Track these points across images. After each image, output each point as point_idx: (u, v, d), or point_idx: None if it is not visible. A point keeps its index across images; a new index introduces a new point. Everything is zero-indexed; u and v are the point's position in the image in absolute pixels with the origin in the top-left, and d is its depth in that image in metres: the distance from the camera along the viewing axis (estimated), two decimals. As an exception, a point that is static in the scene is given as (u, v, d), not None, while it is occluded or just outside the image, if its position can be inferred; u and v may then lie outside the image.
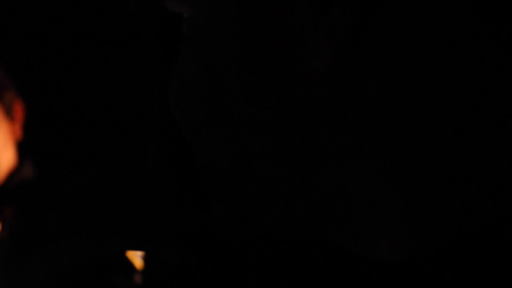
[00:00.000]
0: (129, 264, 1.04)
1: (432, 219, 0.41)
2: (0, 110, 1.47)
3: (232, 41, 0.43)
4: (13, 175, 1.48)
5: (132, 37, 1.73)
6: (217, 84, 0.43)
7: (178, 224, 0.49)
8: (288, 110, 0.42)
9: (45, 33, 1.85)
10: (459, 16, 0.39)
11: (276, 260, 0.52)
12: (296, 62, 0.41)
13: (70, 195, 0.50)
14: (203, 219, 0.50)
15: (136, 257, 0.95)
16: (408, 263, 0.42)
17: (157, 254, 0.49)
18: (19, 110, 1.52)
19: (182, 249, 0.49)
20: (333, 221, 0.43)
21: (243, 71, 0.43)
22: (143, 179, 0.50)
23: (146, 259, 0.64)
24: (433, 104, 0.40)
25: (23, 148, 1.53)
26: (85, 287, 0.54)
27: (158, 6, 0.57)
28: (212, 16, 0.44)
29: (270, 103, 0.42)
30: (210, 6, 0.43)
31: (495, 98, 0.40)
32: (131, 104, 1.73)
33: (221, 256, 0.53)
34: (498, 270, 0.39)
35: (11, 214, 1.27)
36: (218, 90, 0.44)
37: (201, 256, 0.50)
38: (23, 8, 1.81)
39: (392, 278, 0.43)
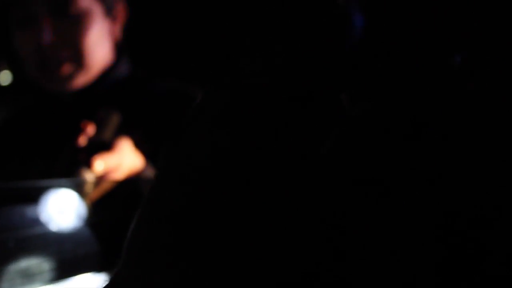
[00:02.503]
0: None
1: None
2: (101, 8, 1.48)
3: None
4: (109, 71, 1.50)
5: None
6: None
7: None
8: None
9: None
10: None
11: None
12: None
13: None
14: None
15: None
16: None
17: None
18: (121, 11, 1.53)
19: None
20: None
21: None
22: None
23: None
24: None
25: (121, 47, 1.55)
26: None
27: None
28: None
29: None
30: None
31: None
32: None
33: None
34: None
35: (106, 114, 1.30)
36: None
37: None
38: None
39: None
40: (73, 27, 1.44)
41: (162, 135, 1.41)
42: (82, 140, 1.26)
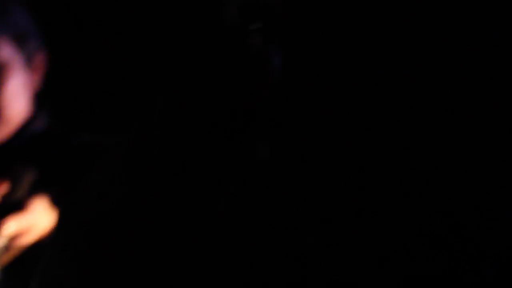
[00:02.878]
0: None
1: None
2: (20, 58, 1.43)
3: None
4: (27, 126, 1.44)
5: None
6: None
7: None
8: None
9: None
10: None
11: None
12: None
13: None
14: None
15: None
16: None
17: None
18: (41, 60, 1.48)
19: None
20: None
21: None
22: None
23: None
24: None
25: (40, 99, 1.50)
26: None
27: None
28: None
29: None
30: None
31: None
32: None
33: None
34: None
35: (20, 171, 1.25)
36: None
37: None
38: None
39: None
40: None
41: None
42: None
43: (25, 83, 1.44)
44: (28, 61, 1.45)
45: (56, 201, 1.27)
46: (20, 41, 1.43)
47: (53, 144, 1.46)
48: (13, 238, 1.18)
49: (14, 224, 1.17)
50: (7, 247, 1.16)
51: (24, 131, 1.43)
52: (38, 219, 1.22)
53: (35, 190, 1.26)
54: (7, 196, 1.22)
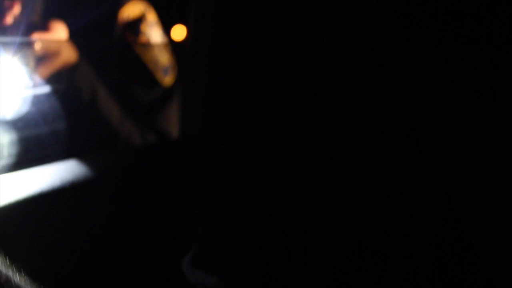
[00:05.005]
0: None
1: None
2: None
3: None
4: None
5: None
6: None
7: None
8: None
9: None
10: None
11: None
12: None
13: None
14: None
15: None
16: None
17: None
18: None
19: None
20: None
21: None
22: None
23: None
24: None
25: None
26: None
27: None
28: None
29: None
30: None
31: None
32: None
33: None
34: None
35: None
36: None
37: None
38: None
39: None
40: None
41: (85, 30, 1.23)
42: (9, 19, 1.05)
43: None
44: None
45: (73, 34, 1.14)
46: None
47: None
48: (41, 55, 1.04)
49: (39, 42, 1.03)
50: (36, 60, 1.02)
51: None
52: (60, 43, 1.08)
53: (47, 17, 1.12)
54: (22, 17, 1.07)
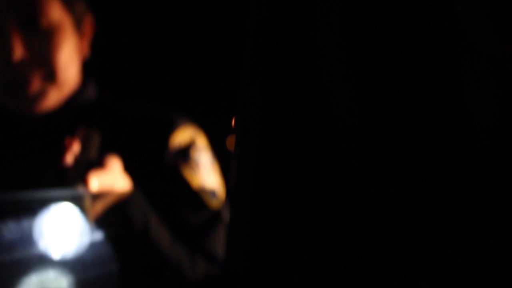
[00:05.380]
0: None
1: None
2: (71, 21, 1.37)
3: None
4: (80, 91, 1.38)
5: None
6: None
7: None
8: None
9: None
10: None
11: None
12: None
13: None
14: None
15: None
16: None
17: None
18: (88, 24, 1.42)
19: None
20: None
21: None
22: None
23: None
24: None
25: (89, 66, 1.43)
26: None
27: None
28: None
29: None
30: None
31: None
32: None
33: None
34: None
35: (87, 133, 1.18)
36: None
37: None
38: None
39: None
40: (45, 43, 1.31)
41: (143, 160, 1.31)
42: (69, 157, 1.13)
43: (76, 48, 1.38)
44: (78, 26, 1.39)
45: (127, 166, 1.21)
46: (69, 4, 1.36)
47: (107, 112, 1.40)
48: (97, 194, 1.12)
49: (96, 181, 1.11)
50: (92, 202, 1.10)
51: (78, 97, 1.37)
52: (116, 178, 1.16)
53: (104, 153, 1.20)
54: (80, 155, 1.15)
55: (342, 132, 0.66)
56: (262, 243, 1.05)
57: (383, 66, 0.61)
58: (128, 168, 1.21)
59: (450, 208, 0.51)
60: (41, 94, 1.31)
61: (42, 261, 0.97)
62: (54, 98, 1.33)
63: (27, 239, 0.97)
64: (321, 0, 0.65)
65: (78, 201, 1.06)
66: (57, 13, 1.33)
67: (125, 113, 1.39)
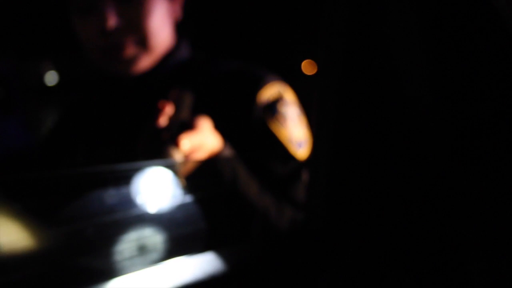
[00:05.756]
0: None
1: None
2: None
3: None
4: (172, 53, 1.47)
5: None
6: None
7: None
8: None
9: None
10: None
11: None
12: None
13: None
14: None
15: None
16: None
17: None
18: None
19: None
20: None
21: None
22: None
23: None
24: None
25: (181, 28, 1.51)
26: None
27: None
28: None
29: None
30: None
31: None
32: None
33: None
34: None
35: (179, 94, 1.27)
36: None
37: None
38: None
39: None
40: (136, 11, 1.40)
41: (232, 115, 1.38)
42: (163, 120, 1.22)
43: (167, 12, 1.46)
44: None
45: (217, 123, 1.29)
46: None
47: (199, 70, 1.48)
48: (188, 154, 1.20)
49: (187, 141, 1.19)
50: (184, 162, 1.19)
51: (170, 59, 1.46)
52: (206, 137, 1.24)
53: (195, 112, 1.28)
54: (174, 117, 1.24)
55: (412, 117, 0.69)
56: (339, 194, 1.09)
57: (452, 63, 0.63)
58: (219, 124, 1.29)
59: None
60: (135, 58, 1.40)
61: (139, 221, 1.08)
62: (146, 61, 1.42)
63: (126, 202, 1.07)
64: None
65: (170, 164, 1.15)
66: None
67: (216, 71, 1.46)
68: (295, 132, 1.39)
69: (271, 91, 1.40)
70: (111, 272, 0.97)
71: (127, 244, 1.04)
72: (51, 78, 1.87)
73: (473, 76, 0.61)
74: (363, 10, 0.87)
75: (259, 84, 1.40)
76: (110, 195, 1.06)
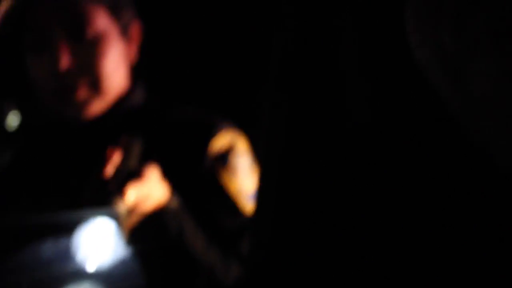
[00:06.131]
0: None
1: None
2: (117, 29, 1.42)
3: None
4: (126, 97, 1.44)
5: None
6: None
7: None
8: None
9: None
10: None
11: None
12: None
13: None
14: None
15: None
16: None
17: None
18: (136, 30, 1.47)
19: None
20: None
21: None
22: None
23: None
24: None
25: (137, 71, 1.49)
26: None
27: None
28: None
29: None
30: None
31: None
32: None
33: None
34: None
35: (128, 142, 1.25)
36: None
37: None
38: None
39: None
40: (90, 52, 1.38)
41: (182, 164, 1.36)
42: (110, 168, 1.20)
43: (122, 54, 1.44)
44: (124, 33, 1.44)
45: (166, 172, 1.27)
46: (115, 12, 1.42)
47: (152, 117, 1.45)
48: (133, 205, 1.18)
49: (133, 192, 1.17)
50: (129, 213, 1.16)
51: (123, 103, 1.43)
52: (153, 187, 1.21)
53: (144, 161, 1.26)
54: (121, 166, 1.22)
55: (353, 131, 0.69)
56: (284, 241, 1.07)
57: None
58: (167, 174, 1.27)
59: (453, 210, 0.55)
60: (87, 102, 1.37)
61: (78, 276, 1.05)
62: (98, 105, 1.39)
63: (64, 256, 1.04)
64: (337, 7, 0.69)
65: (114, 215, 1.12)
66: (102, 22, 1.39)
67: (168, 118, 1.44)
68: (246, 184, 1.37)
69: (223, 140, 1.38)
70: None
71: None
72: (13, 121, 1.81)
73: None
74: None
75: (211, 133, 1.38)
76: (48, 247, 1.03)
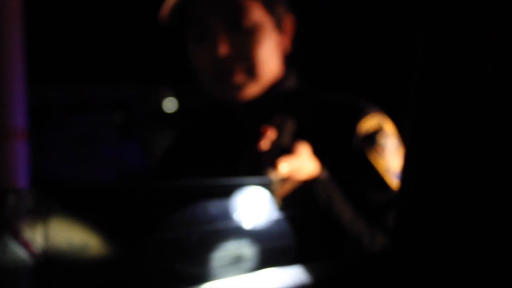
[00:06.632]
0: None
1: None
2: (271, 21, 1.55)
3: None
4: (279, 83, 1.56)
5: None
6: None
7: None
8: None
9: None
10: None
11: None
12: None
13: None
14: None
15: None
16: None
17: None
18: (289, 23, 1.59)
19: None
20: None
21: None
22: None
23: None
24: None
25: (290, 60, 1.61)
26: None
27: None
28: None
29: None
30: None
31: None
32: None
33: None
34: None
35: (282, 120, 1.36)
36: None
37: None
38: None
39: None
40: (246, 41, 1.51)
41: (332, 143, 1.46)
42: (265, 144, 1.31)
43: (276, 44, 1.56)
44: (278, 25, 1.56)
45: (316, 149, 1.37)
46: (269, 6, 1.55)
47: (304, 101, 1.56)
48: (285, 177, 1.29)
49: (285, 165, 1.27)
50: (281, 183, 1.27)
51: (276, 88, 1.55)
52: (304, 162, 1.32)
53: (296, 139, 1.36)
54: (276, 142, 1.33)
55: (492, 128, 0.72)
56: (425, 215, 1.09)
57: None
58: (317, 151, 1.37)
59: None
60: (243, 85, 1.51)
61: (237, 232, 1.18)
62: (254, 89, 1.52)
63: (226, 214, 1.17)
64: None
65: (268, 183, 1.24)
66: (258, 15, 1.52)
67: (319, 101, 1.55)
68: (393, 163, 1.44)
69: (371, 122, 1.47)
70: (206, 277, 1.07)
71: (224, 252, 1.13)
72: (170, 104, 2.01)
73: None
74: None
75: (360, 115, 1.47)
76: (214, 206, 1.16)
